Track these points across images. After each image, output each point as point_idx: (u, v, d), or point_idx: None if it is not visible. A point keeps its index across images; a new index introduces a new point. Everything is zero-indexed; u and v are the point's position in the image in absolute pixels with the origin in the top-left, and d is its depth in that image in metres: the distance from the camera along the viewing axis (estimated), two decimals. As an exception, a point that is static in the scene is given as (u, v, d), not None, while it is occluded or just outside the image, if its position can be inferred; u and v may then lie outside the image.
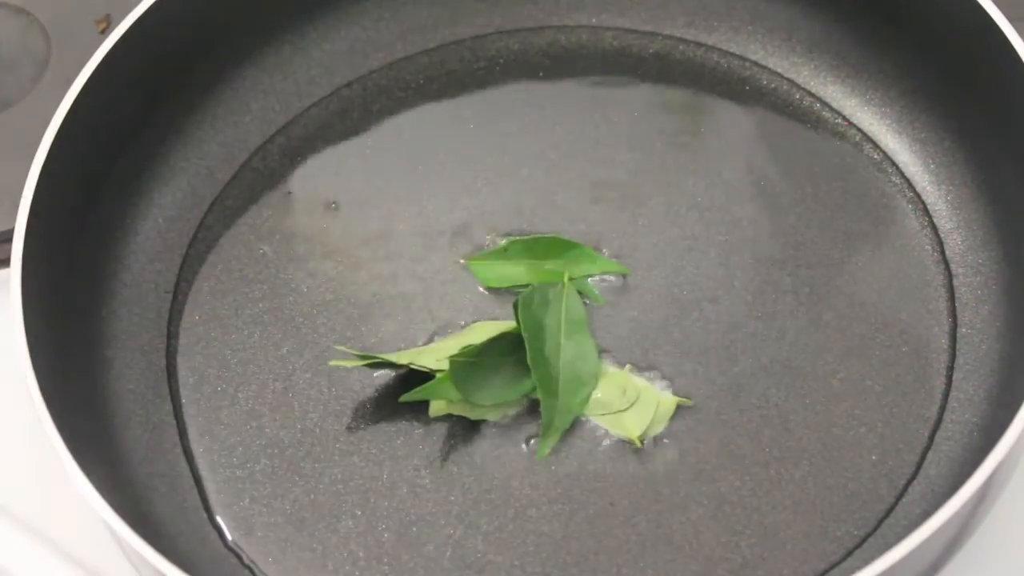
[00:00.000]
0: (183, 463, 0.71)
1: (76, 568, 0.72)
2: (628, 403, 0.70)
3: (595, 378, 0.71)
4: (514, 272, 0.75)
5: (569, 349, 0.71)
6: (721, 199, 0.77)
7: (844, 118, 0.79)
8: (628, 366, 0.72)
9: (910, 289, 0.74)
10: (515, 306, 0.70)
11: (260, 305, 0.76)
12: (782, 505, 0.68)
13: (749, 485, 0.68)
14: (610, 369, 0.72)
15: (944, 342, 0.72)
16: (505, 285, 0.75)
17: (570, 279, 0.73)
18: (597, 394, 0.71)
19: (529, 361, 0.69)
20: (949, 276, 0.74)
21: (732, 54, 0.82)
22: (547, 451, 0.69)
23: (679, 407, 0.70)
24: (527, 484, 0.69)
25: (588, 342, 0.72)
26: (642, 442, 0.69)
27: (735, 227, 0.76)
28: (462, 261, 0.76)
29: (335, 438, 0.71)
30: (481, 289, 0.75)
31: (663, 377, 0.72)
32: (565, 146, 0.80)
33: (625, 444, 0.70)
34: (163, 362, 0.74)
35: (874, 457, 0.69)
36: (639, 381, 0.71)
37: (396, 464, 0.70)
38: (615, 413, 0.70)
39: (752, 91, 0.81)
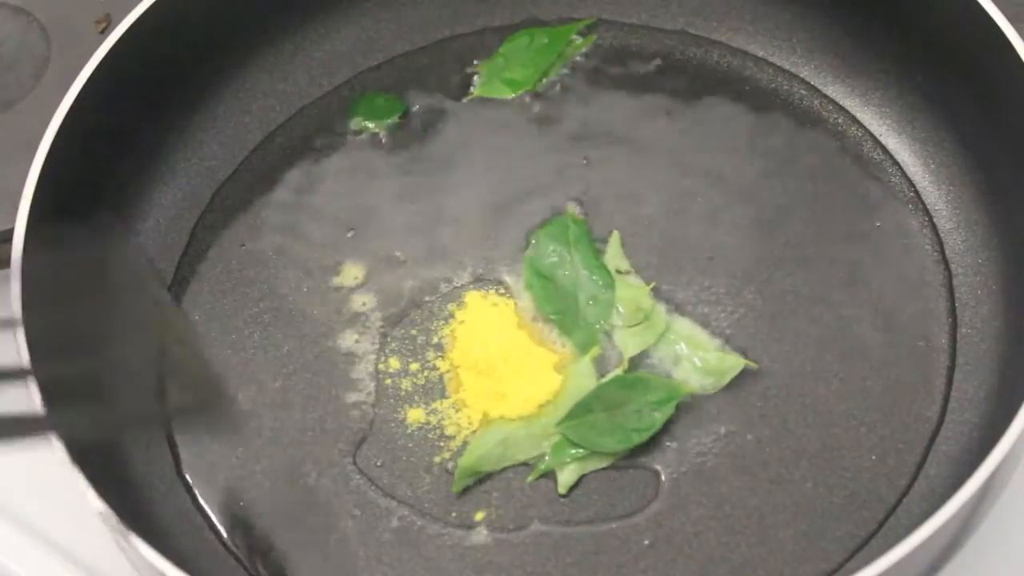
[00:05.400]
0: (183, 464, 0.71)
1: (76, 568, 0.72)
2: (635, 321, 0.71)
3: (612, 292, 0.72)
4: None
5: (585, 276, 0.73)
6: (721, 198, 0.77)
7: (844, 117, 0.79)
8: (652, 284, 0.73)
9: (910, 289, 0.74)
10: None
11: (260, 305, 0.76)
12: (782, 505, 0.68)
13: (749, 485, 0.68)
14: (631, 282, 0.73)
15: (944, 342, 0.72)
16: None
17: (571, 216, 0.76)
18: (619, 307, 0.72)
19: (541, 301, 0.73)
20: (949, 276, 0.74)
21: (732, 53, 0.82)
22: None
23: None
24: (528, 486, 0.69)
25: (600, 262, 0.74)
26: (629, 364, 0.70)
27: (734, 227, 0.76)
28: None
29: (335, 438, 0.71)
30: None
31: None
32: (565, 144, 0.80)
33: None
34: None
35: (874, 457, 0.69)
36: (657, 306, 0.72)
37: (395, 464, 0.70)
38: (626, 328, 0.71)
39: (752, 90, 0.81)
